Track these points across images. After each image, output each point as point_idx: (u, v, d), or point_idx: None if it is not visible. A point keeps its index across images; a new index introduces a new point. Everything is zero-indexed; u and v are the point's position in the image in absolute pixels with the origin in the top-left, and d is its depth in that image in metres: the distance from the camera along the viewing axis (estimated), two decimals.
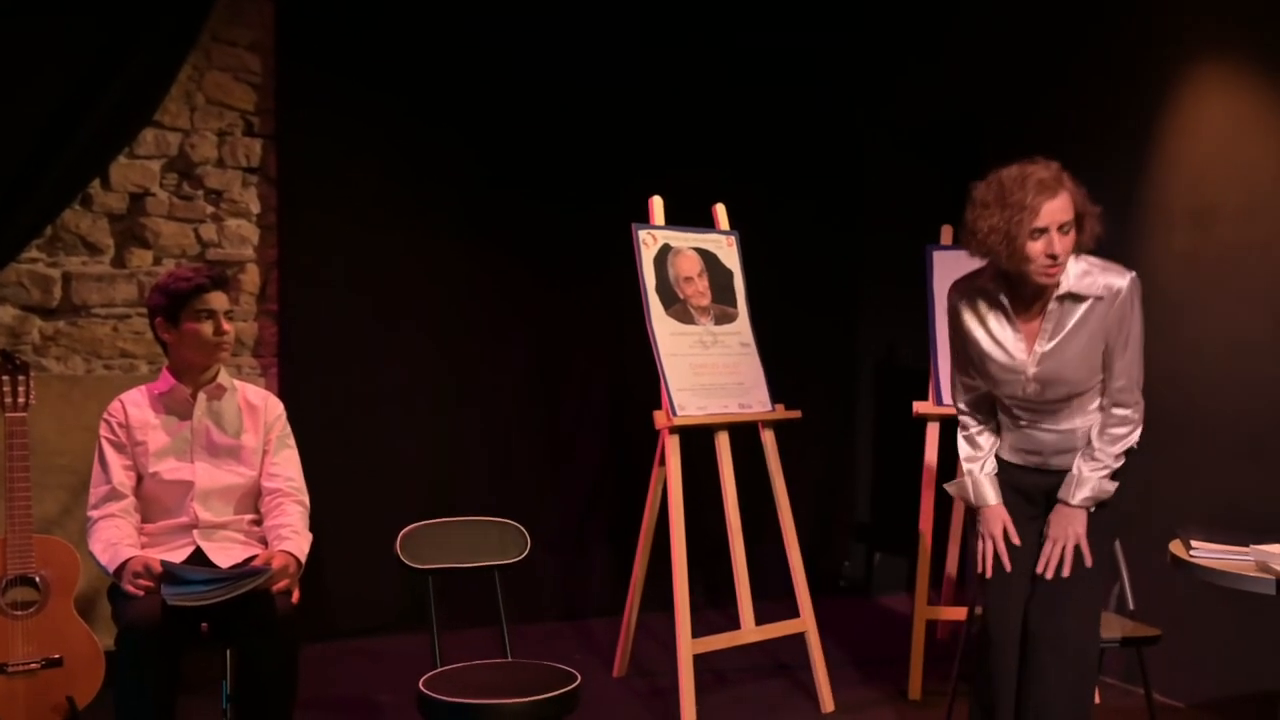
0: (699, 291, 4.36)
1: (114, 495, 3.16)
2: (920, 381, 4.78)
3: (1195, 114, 4.31)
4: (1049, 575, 2.94)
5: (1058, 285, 2.90)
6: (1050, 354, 2.94)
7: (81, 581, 3.84)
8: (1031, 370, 2.96)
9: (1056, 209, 2.81)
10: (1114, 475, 3.00)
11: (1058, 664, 2.88)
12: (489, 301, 5.24)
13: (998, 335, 3.00)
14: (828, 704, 4.22)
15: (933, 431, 4.58)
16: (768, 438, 4.38)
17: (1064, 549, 2.95)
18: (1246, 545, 2.91)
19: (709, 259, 4.44)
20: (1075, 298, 2.91)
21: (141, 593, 2.92)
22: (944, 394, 4.59)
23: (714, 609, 5.27)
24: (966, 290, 3.06)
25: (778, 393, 4.44)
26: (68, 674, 3.72)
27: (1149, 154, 4.49)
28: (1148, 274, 4.44)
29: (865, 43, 5.90)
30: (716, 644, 4.07)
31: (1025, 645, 2.95)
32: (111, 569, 3.02)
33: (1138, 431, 3.02)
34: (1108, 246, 4.57)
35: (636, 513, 4.54)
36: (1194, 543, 2.99)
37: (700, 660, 4.07)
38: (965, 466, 3.17)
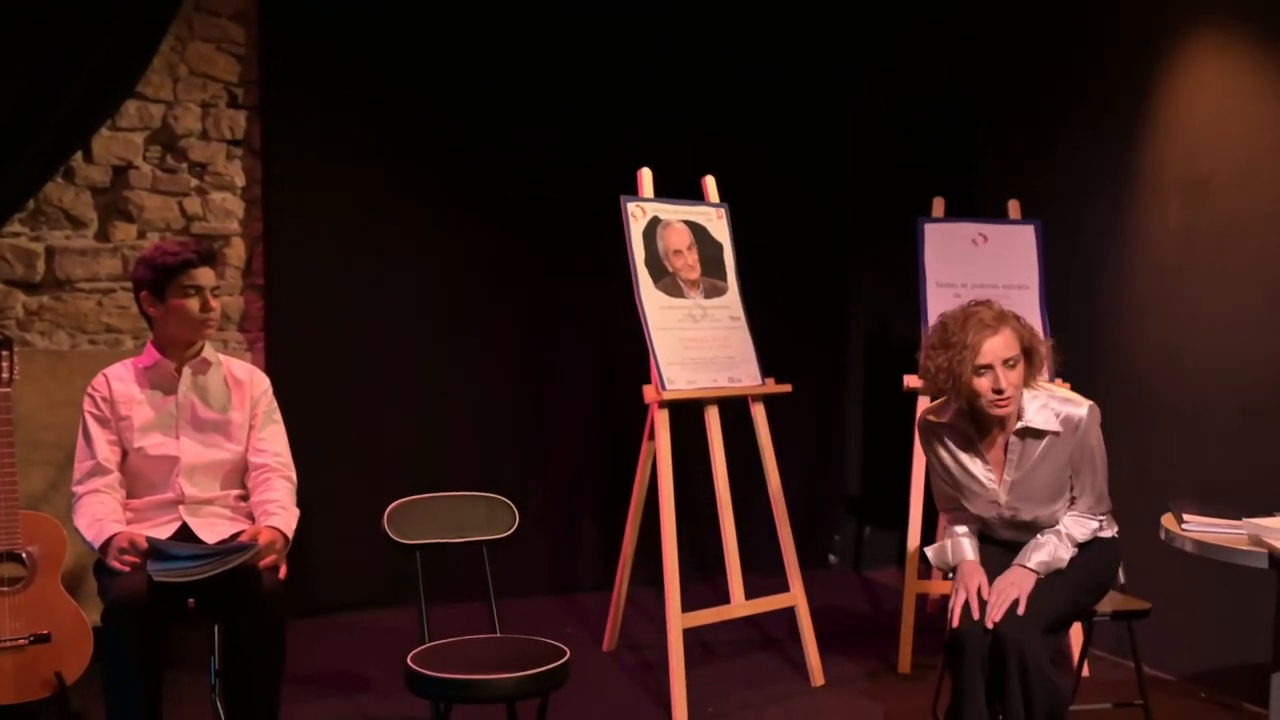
0: (688, 264, 4.34)
1: (99, 470, 3.13)
2: (911, 355, 4.75)
3: (1190, 84, 4.29)
4: (988, 624, 2.97)
5: (1018, 419, 3.08)
6: (1018, 483, 3.13)
7: (68, 557, 3.82)
8: (1003, 498, 3.15)
9: (999, 345, 2.98)
10: (1100, 555, 3.17)
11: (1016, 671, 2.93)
12: (477, 275, 5.21)
13: (968, 466, 3.19)
14: (817, 677, 4.22)
15: (923, 405, 4.56)
16: (758, 412, 4.36)
17: (1004, 599, 3.00)
18: (1239, 519, 2.90)
19: (698, 231, 4.41)
20: (1035, 433, 3.08)
21: (127, 568, 2.90)
22: None
23: (704, 583, 5.27)
24: (935, 426, 3.23)
25: (768, 366, 4.42)
26: (55, 650, 3.70)
27: (1143, 125, 4.46)
28: (1142, 247, 4.47)
29: (855, 12, 5.85)
30: (706, 618, 4.07)
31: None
32: (97, 545, 3.00)
33: (1102, 522, 3.18)
34: (1101, 221, 4.57)
35: (626, 487, 4.53)
36: (1186, 516, 2.98)
37: (690, 634, 4.06)
38: (949, 530, 3.29)
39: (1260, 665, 3.30)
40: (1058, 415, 3.09)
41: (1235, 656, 4.02)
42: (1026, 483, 3.13)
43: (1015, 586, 3.03)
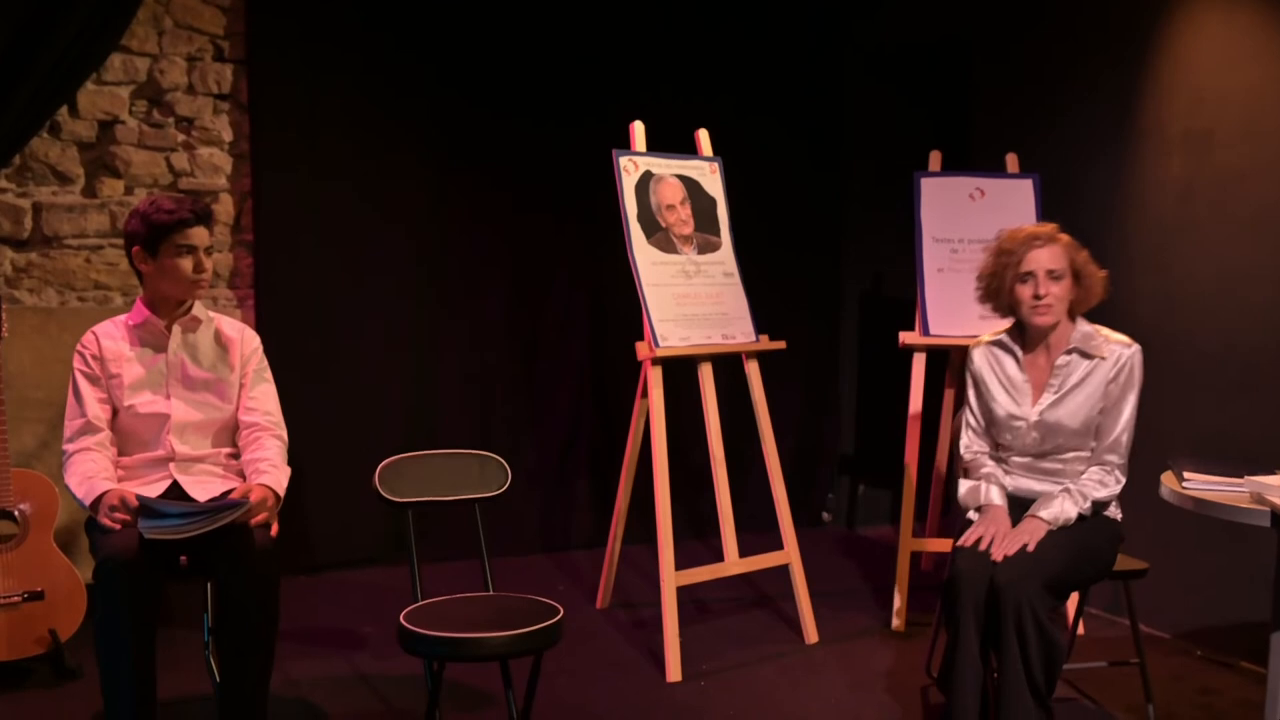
0: (681, 220, 4.29)
1: (89, 429, 3.10)
2: (907, 311, 4.74)
3: (1193, 33, 4.23)
4: (996, 557, 3.06)
5: (1069, 342, 3.24)
6: (1053, 406, 3.24)
7: (61, 515, 3.82)
8: (1034, 418, 3.26)
9: (1044, 256, 3.19)
10: (1104, 531, 3.21)
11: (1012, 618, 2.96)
12: (469, 230, 5.16)
13: (1008, 379, 3.33)
14: (811, 635, 4.23)
15: (918, 362, 4.55)
16: (752, 369, 4.34)
17: (1014, 543, 3.08)
18: (1240, 476, 2.88)
19: (692, 186, 4.36)
20: (1083, 354, 3.24)
21: (118, 526, 2.89)
22: (931, 324, 4.55)
23: (697, 541, 5.27)
24: (985, 344, 3.43)
25: (762, 323, 4.39)
26: (49, 607, 3.71)
27: (1144, 77, 4.41)
28: (1144, 201, 4.43)
29: None
30: (700, 576, 4.06)
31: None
32: (87, 503, 2.97)
33: (1116, 489, 3.22)
34: (1101, 174, 4.53)
35: (619, 445, 4.52)
36: (1187, 474, 2.96)
37: (684, 592, 4.07)
38: (982, 472, 3.37)
39: (1256, 623, 3.30)
40: (1107, 344, 3.23)
41: (1231, 615, 4.02)
42: (1061, 406, 3.22)
43: (1027, 534, 3.09)
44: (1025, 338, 3.34)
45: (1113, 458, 3.21)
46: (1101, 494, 3.18)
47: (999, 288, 3.28)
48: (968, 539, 3.14)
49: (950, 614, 3.06)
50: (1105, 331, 3.28)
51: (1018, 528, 3.13)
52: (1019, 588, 2.94)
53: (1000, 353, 3.37)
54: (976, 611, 3.01)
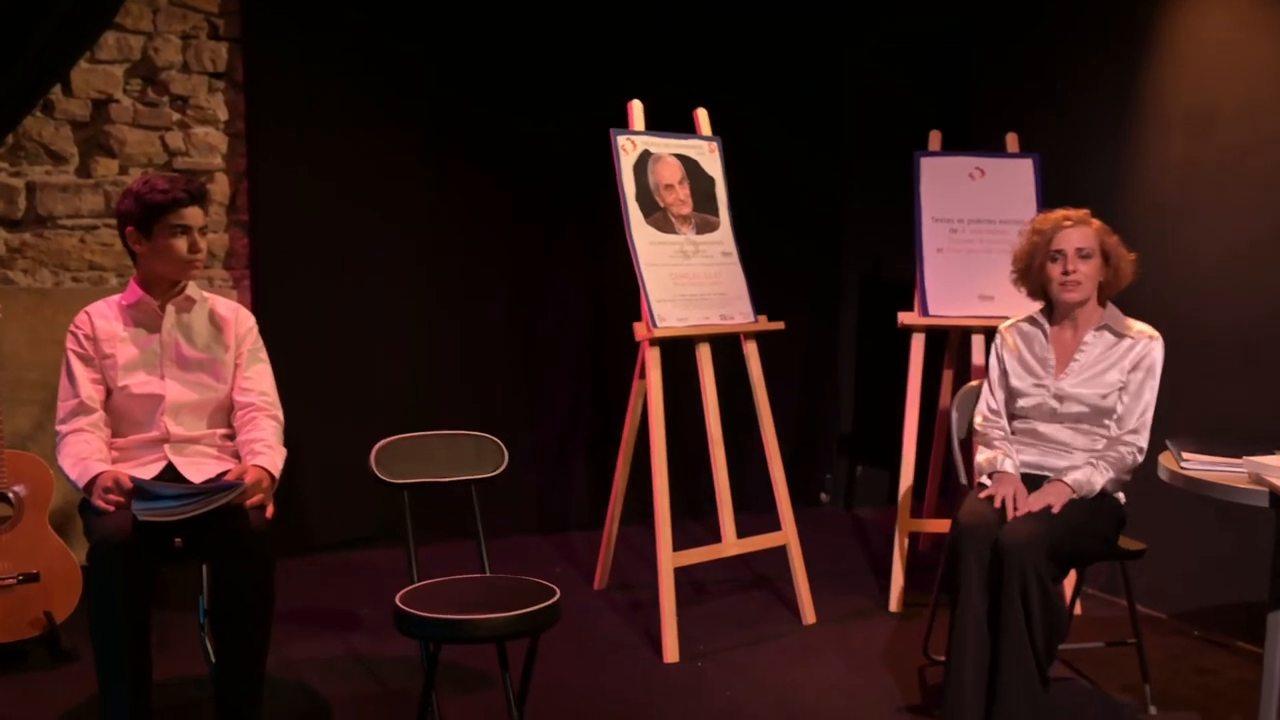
0: (680, 199, 4.27)
1: (82, 409, 3.08)
2: (906, 292, 4.72)
3: (1195, 13, 4.20)
4: (1018, 512, 3.14)
5: (1100, 321, 3.36)
6: (1076, 377, 3.34)
7: (56, 497, 3.81)
8: (1055, 388, 3.36)
9: (1074, 237, 3.33)
10: (1110, 511, 3.26)
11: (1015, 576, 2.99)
12: (466, 208, 5.13)
13: (1034, 354, 3.44)
14: (809, 616, 4.23)
15: (917, 343, 4.53)
16: (750, 349, 4.32)
17: (1038, 503, 3.14)
18: (1239, 457, 2.87)
19: (690, 165, 4.33)
20: (1112, 331, 3.35)
21: (112, 508, 2.86)
22: (930, 305, 4.53)
23: (695, 522, 5.27)
24: (1017, 321, 3.55)
25: (760, 303, 4.37)
26: (45, 589, 3.70)
27: (1146, 57, 4.38)
28: (1145, 181, 4.41)
29: None
30: (697, 557, 4.05)
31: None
32: (81, 484, 2.96)
33: (1134, 465, 3.29)
34: (1101, 154, 4.51)
35: (617, 425, 4.50)
36: (1186, 455, 2.95)
37: (681, 573, 4.06)
38: (996, 444, 3.44)
39: (1252, 604, 3.30)
40: (1134, 328, 3.36)
41: (1228, 595, 4.02)
42: (1084, 379, 3.33)
43: (1052, 495, 3.15)
44: (1054, 318, 3.46)
45: (1133, 438, 3.28)
46: (1124, 465, 3.24)
47: (1030, 267, 3.43)
48: (982, 495, 3.21)
49: (952, 578, 3.08)
50: (1132, 321, 3.40)
51: (1041, 490, 3.19)
52: (1025, 552, 2.96)
53: (1029, 328, 3.49)
54: (981, 570, 3.03)
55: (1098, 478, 3.20)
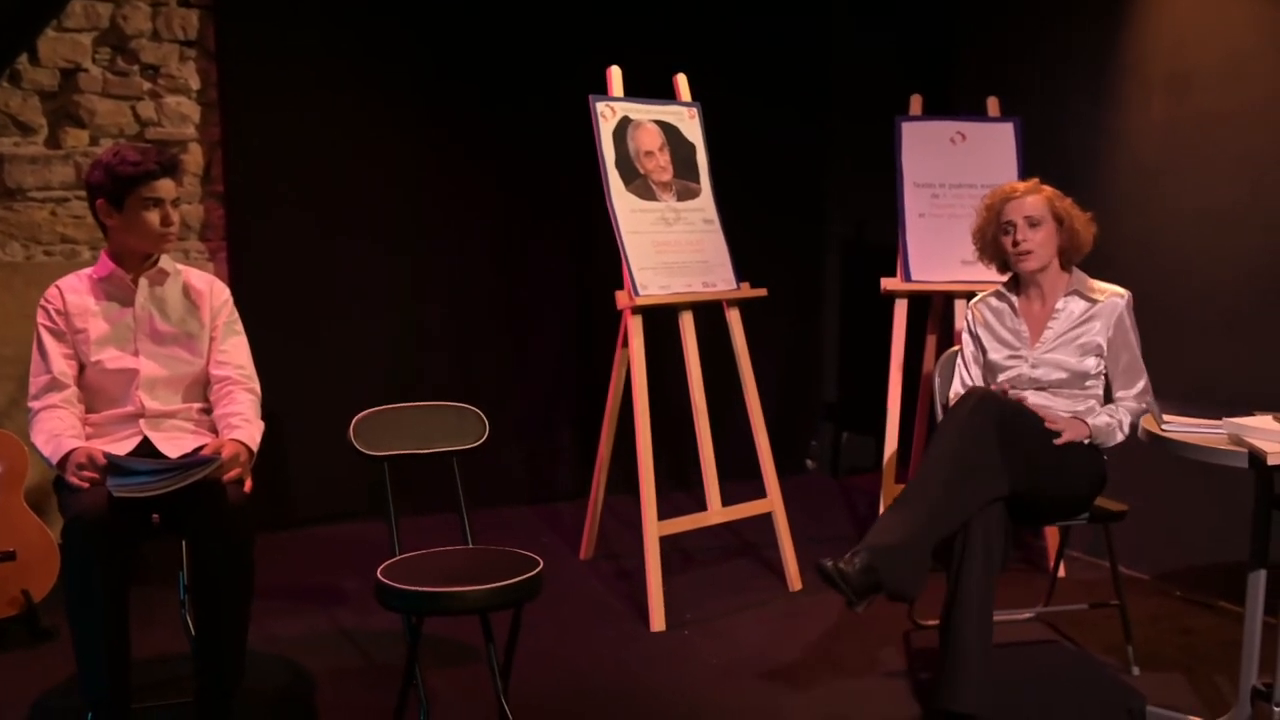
0: (660, 166, 4.22)
1: (55, 385, 3.03)
2: (888, 258, 4.70)
3: None
4: (1028, 401, 3.28)
5: (1068, 287, 3.40)
6: (1051, 348, 3.38)
7: (32, 474, 3.76)
8: (1032, 358, 3.40)
9: (1022, 206, 3.38)
10: (1086, 464, 3.26)
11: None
12: (445, 177, 5.08)
13: (1007, 328, 3.47)
14: (795, 583, 4.23)
15: (901, 308, 4.51)
16: (733, 316, 4.29)
17: (1053, 418, 3.23)
18: (1219, 418, 2.86)
19: (670, 132, 4.29)
20: (1081, 296, 3.39)
21: (86, 485, 2.83)
22: (913, 270, 4.51)
23: (680, 490, 5.25)
24: (985, 296, 3.58)
25: (743, 270, 4.34)
26: (21, 567, 3.67)
27: (1126, 20, 4.36)
28: (1125, 144, 4.38)
29: None
30: (683, 525, 4.04)
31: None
32: (55, 461, 2.91)
33: (1146, 410, 3.30)
34: (1082, 118, 4.47)
35: (600, 395, 4.48)
36: (1166, 417, 2.95)
37: (667, 542, 4.05)
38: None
39: (1234, 564, 3.30)
40: (1101, 291, 3.40)
41: (1210, 555, 4.04)
42: (1060, 346, 3.37)
43: (1070, 425, 3.22)
44: (1020, 289, 3.50)
45: (1139, 384, 3.36)
46: (1136, 410, 3.31)
47: (985, 243, 3.50)
48: (995, 386, 3.36)
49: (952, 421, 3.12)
50: (1096, 282, 3.44)
51: (1065, 418, 3.24)
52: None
53: (997, 303, 3.53)
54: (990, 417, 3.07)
55: (1117, 432, 3.27)
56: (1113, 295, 3.38)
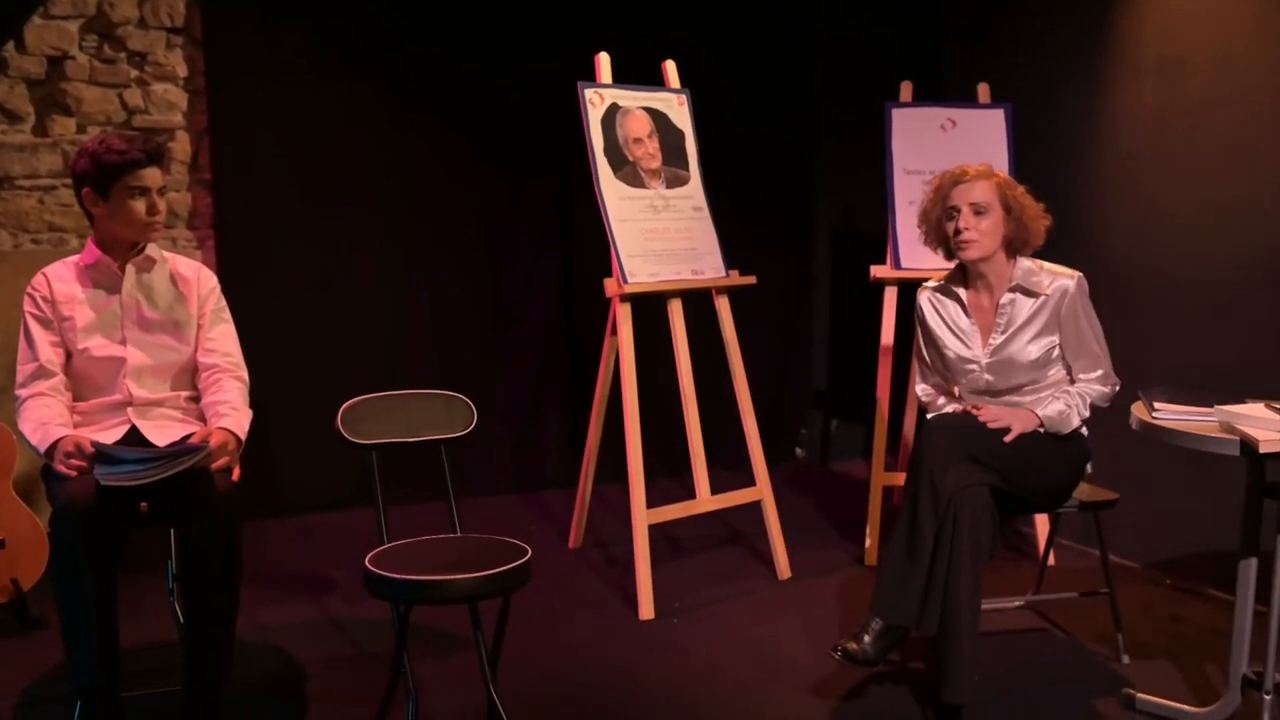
0: (649, 153, 4.21)
1: (42, 373, 3.02)
2: (878, 245, 4.69)
3: None
4: (972, 410, 3.20)
5: (1011, 280, 3.25)
6: (1002, 346, 3.26)
7: (21, 462, 3.75)
8: (985, 361, 3.29)
9: (969, 192, 3.22)
10: (1066, 453, 3.22)
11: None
12: (432, 166, 5.06)
13: (955, 324, 3.35)
14: (784, 571, 4.23)
15: (890, 296, 4.51)
16: (722, 304, 4.28)
17: (999, 419, 3.15)
18: (1210, 405, 2.86)
19: (659, 119, 4.27)
20: (1025, 291, 3.25)
21: (74, 473, 2.82)
22: (902, 258, 4.51)
23: (669, 478, 5.25)
24: (931, 289, 3.43)
25: (732, 258, 4.33)
26: (10, 556, 3.66)
27: (1116, 5, 4.35)
28: (1114, 130, 4.38)
29: None
30: (672, 513, 4.04)
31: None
32: (42, 449, 2.90)
33: (1111, 391, 3.29)
34: (1073, 104, 4.47)
35: (589, 383, 4.47)
36: (1157, 405, 2.94)
37: (656, 530, 4.05)
38: (939, 404, 3.46)
39: (1225, 552, 3.31)
40: (1049, 281, 3.24)
41: (1200, 544, 4.04)
42: (1010, 347, 3.25)
43: (1016, 419, 3.13)
44: (967, 280, 3.36)
45: (1098, 371, 3.26)
46: (1102, 399, 3.25)
47: (930, 228, 3.35)
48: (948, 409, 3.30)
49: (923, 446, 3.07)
50: (1047, 266, 3.28)
51: (1011, 411, 3.18)
52: (967, 494, 2.96)
53: (943, 298, 3.39)
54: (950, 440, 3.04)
55: (1074, 417, 3.18)
56: (1061, 280, 3.22)
